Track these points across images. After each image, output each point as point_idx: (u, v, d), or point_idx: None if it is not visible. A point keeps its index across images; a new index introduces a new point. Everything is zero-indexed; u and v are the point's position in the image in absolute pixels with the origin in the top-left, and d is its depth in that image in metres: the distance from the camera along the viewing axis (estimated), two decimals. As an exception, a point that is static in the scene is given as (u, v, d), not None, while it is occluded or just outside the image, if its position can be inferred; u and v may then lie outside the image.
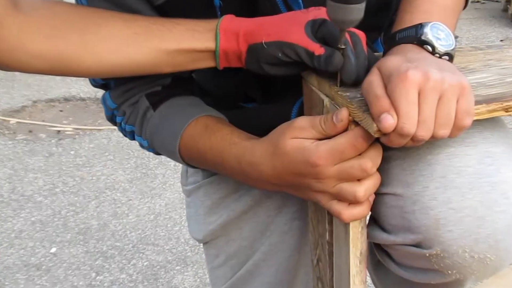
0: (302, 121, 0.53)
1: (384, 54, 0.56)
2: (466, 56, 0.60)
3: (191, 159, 0.64)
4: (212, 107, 0.66)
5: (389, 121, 0.47)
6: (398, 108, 0.46)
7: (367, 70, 0.51)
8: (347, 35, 0.53)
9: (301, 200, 0.65)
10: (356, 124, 0.52)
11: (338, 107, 0.53)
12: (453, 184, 0.49)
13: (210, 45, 0.57)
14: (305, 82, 0.59)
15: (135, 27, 0.55)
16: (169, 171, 1.98)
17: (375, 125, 0.48)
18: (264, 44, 0.55)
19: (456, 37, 0.53)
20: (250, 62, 0.56)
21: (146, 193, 1.85)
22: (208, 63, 0.59)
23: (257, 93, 0.69)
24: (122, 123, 0.67)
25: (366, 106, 0.49)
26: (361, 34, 0.55)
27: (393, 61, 0.50)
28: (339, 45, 0.52)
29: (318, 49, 0.53)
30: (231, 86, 0.68)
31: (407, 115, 0.46)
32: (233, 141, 0.59)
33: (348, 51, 0.52)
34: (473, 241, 0.48)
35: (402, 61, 0.49)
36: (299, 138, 0.53)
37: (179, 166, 1.12)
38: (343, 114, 0.52)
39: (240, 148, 0.58)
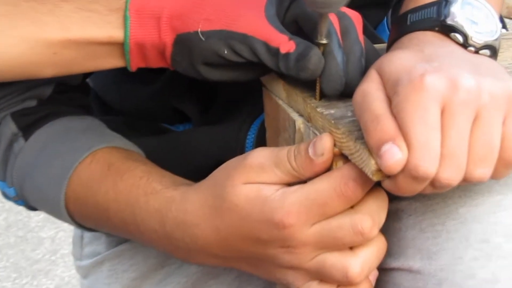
0: (261, 156, 0.51)
1: (389, 46, 0.54)
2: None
3: (85, 218, 0.62)
4: (119, 133, 0.64)
5: (395, 156, 0.43)
6: (410, 134, 0.43)
7: (363, 74, 0.49)
8: (333, 20, 0.51)
9: (264, 283, 0.64)
10: (345, 159, 0.49)
11: (317, 133, 0.51)
12: (501, 252, 0.47)
13: (116, 33, 0.54)
14: (267, 93, 0.58)
15: None
16: (61, 232, 1.69)
17: (374, 161, 0.45)
18: (201, 35, 0.52)
19: (502, 20, 0.53)
20: (179, 61, 0.54)
21: (25, 270, 1.56)
22: (112, 61, 0.56)
23: (191, 109, 0.69)
24: None
25: (360, 131, 0.46)
26: (355, 16, 0.53)
27: (402, 59, 0.47)
28: (318, 39, 0.50)
29: (286, 44, 0.50)
30: (150, 98, 0.68)
31: (424, 146, 0.43)
32: (152, 189, 0.56)
33: (334, 45, 0.50)
34: None
35: (416, 59, 0.47)
36: (256, 183, 0.50)
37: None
38: (325, 143, 0.49)
39: (163, 201, 0.55)
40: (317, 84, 0.51)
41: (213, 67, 0.54)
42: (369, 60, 0.51)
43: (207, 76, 0.54)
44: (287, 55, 0.50)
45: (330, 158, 0.49)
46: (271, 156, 0.51)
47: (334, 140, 0.49)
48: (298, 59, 0.50)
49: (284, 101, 0.56)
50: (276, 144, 0.58)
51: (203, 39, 0.52)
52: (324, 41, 0.50)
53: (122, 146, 0.63)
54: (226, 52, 0.52)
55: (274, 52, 0.51)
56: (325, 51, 0.50)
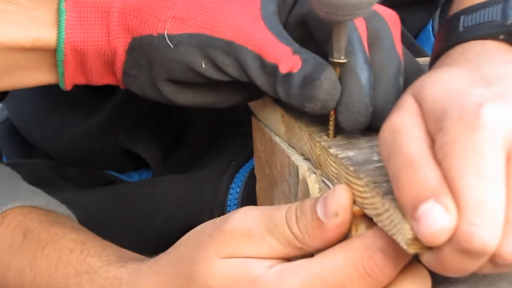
0: (248, 218, 0.51)
1: (433, 62, 0.56)
2: None
3: None
4: (43, 184, 0.64)
5: (438, 219, 0.42)
6: (461, 189, 0.43)
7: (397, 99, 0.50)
8: (357, 23, 0.52)
9: None
10: (370, 223, 0.49)
11: (329, 185, 0.52)
12: None
13: (44, 34, 0.54)
14: (259, 126, 0.60)
15: None
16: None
17: (409, 227, 0.44)
18: (168, 39, 0.53)
19: None
20: (134, 76, 0.55)
21: None
22: (38, 75, 0.56)
23: (150, 151, 0.70)
24: None
25: (389, 182, 0.47)
26: (390, 17, 0.54)
27: (451, 81, 0.47)
28: (334, 56, 0.51)
29: (289, 60, 0.52)
30: (90, 134, 0.68)
31: (481, 207, 0.42)
32: (88, 267, 0.56)
33: (357, 60, 0.52)
34: None
35: (471, 81, 0.47)
36: (240, 256, 0.50)
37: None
38: (341, 200, 0.49)
39: (103, 283, 0.55)
40: (331, 115, 0.52)
41: (183, 87, 0.55)
42: (409, 80, 0.52)
43: (174, 99, 0.55)
44: (289, 76, 0.51)
45: (348, 221, 0.49)
46: (263, 219, 0.51)
47: (354, 195, 0.49)
48: (305, 83, 0.51)
49: (282, 138, 0.57)
50: (270, 201, 0.59)
51: (170, 45, 0.53)
52: (343, 60, 0.51)
53: (44, 205, 0.63)
54: (203, 66, 0.53)
55: (270, 70, 0.52)
56: (345, 68, 0.52)
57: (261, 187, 0.61)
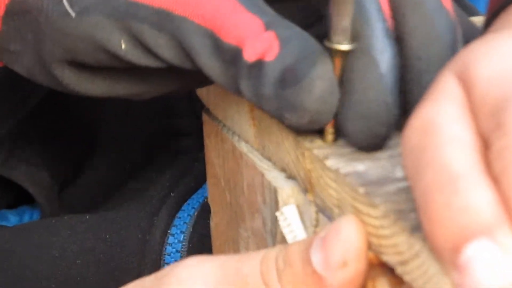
0: (198, 273, 0.50)
1: (490, 21, 0.57)
2: None
3: None
4: None
5: (493, 270, 0.40)
6: None
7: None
8: None
9: None
10: (393, 277, 0.47)
11: (327, 216, 0.51)
12: None
13: None
14: (214, 126, 0.62)
15: None
16: None
17: (448, 284, 0.42)
18: (66, 3, 0.54)
19: None
20: (17, 53, 0.57)
21: None
22: None
23: (35, 175, 0.72)
24: None
25: (415, 211, 0.45)
26: None
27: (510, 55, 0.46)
28: (332, 40, 0.50)
29: (258, 40, 0.51)
30: None
31: None
32: None
33: (374, 38, 0.51)
34: None
35: None
36: None
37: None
38: (349, 240, 0.47)
39: None
40: (336, 48, 0.52)
41: (91, 72, 0.57)
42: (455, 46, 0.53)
43: (77, 89, 0.57)
44: (259, 66, 0.51)
45: (362, 274, 0.47)
46: (223, 276, 0.50)
47: (368, 233, 0.48)
48: (284, 80, 0.51)
49: (252, 146, 0.58)
50: (233, 244, 0.61)
51: (71, 13, 0.54)
52: (346, 46, 0.51)
53: None
54: (123, 46, 0.54)
55: (230, 55, 0.52)
56: (357, 51, 0.52)
57: (218, 223, 0.63)
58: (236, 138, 0.58)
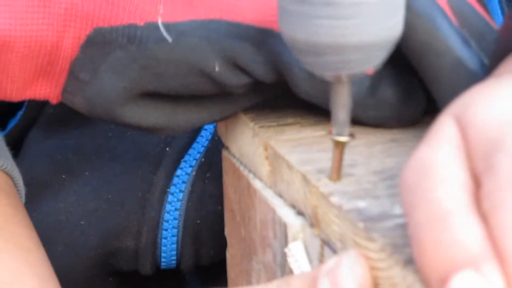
0: None
1: (495, 61, 0.56)
2: None
3: None
4: None
5: None
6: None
7: None
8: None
9: None
10: None
11: (333, 250, 0.52)
12: None
13: None
14: (231, 163, 0.62)
15: None
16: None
17: None
18: (162, 30, 0.54)
19: None
20: (84, 83, 0.57)
21: None
22: None
23: None
24: None
25: (409, 246, 0.45)
26: None
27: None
28: (332, 132, 0.52)
29: None
30: None
31: None
32: None
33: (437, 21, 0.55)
34: None
35: None
36: None
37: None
38: (360, 272, 0.48)
39: None
40: (335, 142, 0.52)
41: (160, 101, 0.57)
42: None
43: (136, 121, 0.57)
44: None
45: None
46: None
47: (370, 266, 0.48)
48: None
49: (265, 183, 0.58)
50: (246, 275, 0.61)
51: (168, 39, 0.54)
52: (344, 138, 0.52)
53: None
54: (217, 68, 0.55)
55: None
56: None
57: (233, 255, 0.62)
58: (251, 175, 0.59)
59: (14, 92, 0.58)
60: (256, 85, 0.57)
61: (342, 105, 0.51)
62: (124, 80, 0.57)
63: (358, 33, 0.48)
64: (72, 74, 0.57)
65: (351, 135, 0.52)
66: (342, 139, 0.51)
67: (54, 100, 0.58)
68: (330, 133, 0.52)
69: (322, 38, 0.48)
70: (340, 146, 0.52)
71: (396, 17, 0.49)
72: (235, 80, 0.56)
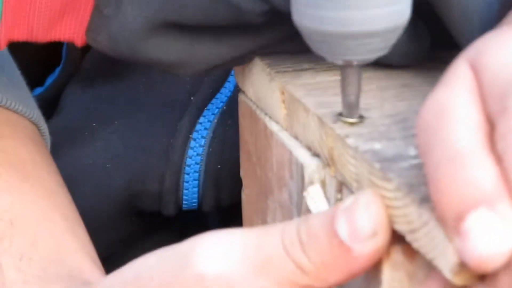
0: (222, 253, 0.50)
1: (505, 9, 0.55)
2: None
3: None
4: None
5: (492, 237, 0.42)
6: None
7: None
8: None
9: None
10: (406, 245, 0.48)
11: (348, 190, 0.53)
12: None
13: None
14: (248, 107, 0.62)
15: None
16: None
17: (451, 250, 0.44)
18: None
19: None
20: (108, 19, 0.57)
21: None
22: None
23: None
24: None
25: (425, 185, 0.47)
26: None
27: None
28: (342, 114, 0.53)
29: None
30: None
31: None
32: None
33: None
34: None
35: None
36: None
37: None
38: (377, 212, 0.48)
39: None
40: (345, 121, 0.53)
41: (180, 33, 0.57)
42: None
43: (159, 55, 0.57)
44: None
45: (387, 243, 0.49)
46: (246, 252, 0.50)
47: (385, 205, 0.49)
48: None
49: (281, 126, 0.58)
50: (261, 214, 0.61)
51: None
52: (355, 120, 0.52)
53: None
54: None
55: None
56: None
57: (249, 194, 0.62)
58: (267, 118, 0.59)
59: (41, 31, 0.58)
60: (274, 18, 0.57)
61: (352, 89, 0.52)
62: (147, 9, 0.56)
63: (367, 21, 0.48)
64: (97, 9, 0.57)
65: (361, 117, 0.52)
66: (352, 120, 0.52)
67: (79, 42, 0.58)
68: (340, 115, 0.52)
69: (330, 27, 0.48)
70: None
71: (405, 1, 0.49)
72: (254, 5, 0.55)
